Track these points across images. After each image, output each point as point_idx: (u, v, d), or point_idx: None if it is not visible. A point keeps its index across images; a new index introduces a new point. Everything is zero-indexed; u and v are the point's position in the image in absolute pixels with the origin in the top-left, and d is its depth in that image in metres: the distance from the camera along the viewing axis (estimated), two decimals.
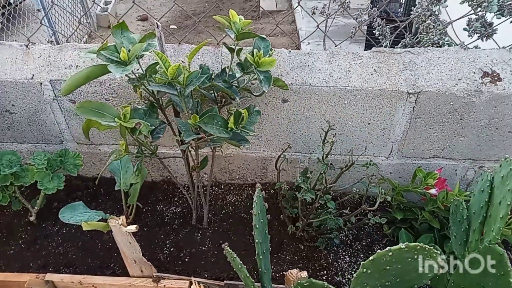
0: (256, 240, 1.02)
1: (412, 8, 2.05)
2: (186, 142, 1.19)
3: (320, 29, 1.44)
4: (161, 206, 1.62)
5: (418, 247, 0.75)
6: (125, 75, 1.06)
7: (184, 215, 1.58)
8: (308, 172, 1.33)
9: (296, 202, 1.49)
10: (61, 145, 1.62)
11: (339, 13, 1.82)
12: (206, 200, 1.47)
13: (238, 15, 1.17)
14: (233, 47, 1.20)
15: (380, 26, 1.96)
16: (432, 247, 0.76)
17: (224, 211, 1.60)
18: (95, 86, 1.44)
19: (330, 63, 1.41)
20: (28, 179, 1.39)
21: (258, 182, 1.71)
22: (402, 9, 3.65)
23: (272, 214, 1.53)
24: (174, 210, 1.60)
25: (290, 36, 4.16)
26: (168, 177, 1.72)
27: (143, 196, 1.59)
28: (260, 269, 1.04)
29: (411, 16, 1.89)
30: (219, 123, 1.05)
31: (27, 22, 3.98)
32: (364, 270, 0.81)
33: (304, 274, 1.07)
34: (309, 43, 4.04)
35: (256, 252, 1.03)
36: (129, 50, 1.06)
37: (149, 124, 1.10)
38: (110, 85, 1.43)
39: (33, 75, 1.45)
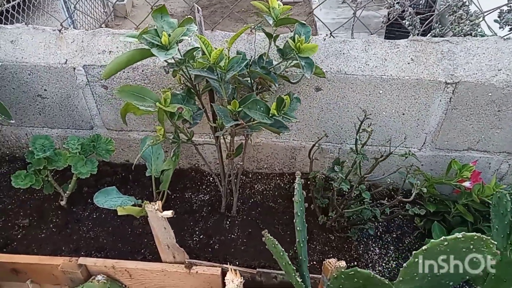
0: (298, 228, 1.01)
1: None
2: (223, 128, 1.18)
3: (356, 17, 1.41)
4: (189, 193, 1.62)
5: (476, 237, 0.74)
6: (164, 60, 1.05)
7: (212, 203, 1.58)
8: (344, 161, 1.32)
9: (327, 192, 1.48)
10: (91, 131, 1.62)
11: (364, 4, 1.79)
12: (236, 188, 1.46)
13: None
14: (271, 33, 1.18)
15: (410, 16, 1.93)
16: (489, 238, 0.74)
17: (252, 200, 1.60)
18: (128, 72, 1.43)
19: (366, 51, 1.38)
20: (61, 163, 1.40)
21: (286, 172, 1.70)
22: (423, 1, 3.60)
23: None
24: (202, 198, 1.60)
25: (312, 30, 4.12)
26: (196, 165, 1.72)
27: (171, 184, 1.58)
28: (300, 257, 1.03)
29: (435, 7, 1.85)
30: (262, 109, 1.03)
31: (46, 9, 3.99)
32: (416, 259, 0.80)
33: (343, 263, 1.05)
34: (326, 35, 4.01)
35: (297, 240, 1.02)
36: (169, 35, 1.05)
37: (190, 109, 1.09)
38: (143, 71, 1.42)
39: (66, 60, 1.45)
